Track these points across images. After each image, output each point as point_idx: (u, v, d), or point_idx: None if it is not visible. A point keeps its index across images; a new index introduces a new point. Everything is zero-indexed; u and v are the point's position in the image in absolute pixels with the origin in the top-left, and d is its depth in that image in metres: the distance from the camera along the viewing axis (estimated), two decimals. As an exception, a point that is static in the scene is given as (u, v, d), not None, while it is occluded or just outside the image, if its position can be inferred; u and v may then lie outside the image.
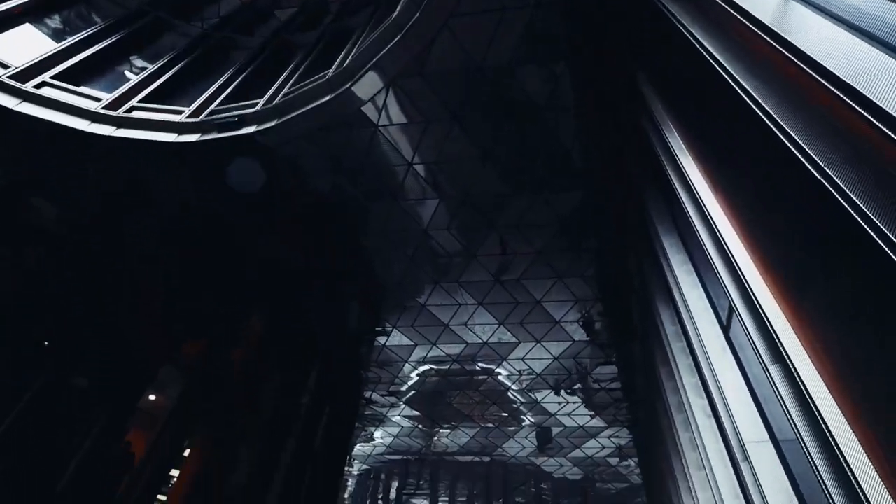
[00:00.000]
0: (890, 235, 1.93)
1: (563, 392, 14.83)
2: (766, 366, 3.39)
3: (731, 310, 4.50)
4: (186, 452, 13.29)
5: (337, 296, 13.94)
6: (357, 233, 11.54)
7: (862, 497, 2.53)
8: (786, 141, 2.64)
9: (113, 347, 11.02)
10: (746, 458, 4.59)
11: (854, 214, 2.11)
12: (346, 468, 22.03)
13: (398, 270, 11.82)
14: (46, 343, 10.37)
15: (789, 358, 3.11)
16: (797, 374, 3.10)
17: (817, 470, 3.22)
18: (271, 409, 14.14)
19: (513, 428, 19.23)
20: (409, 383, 16.56)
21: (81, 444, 10.23)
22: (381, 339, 14.48)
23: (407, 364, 15.16)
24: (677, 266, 5.82)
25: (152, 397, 13.43)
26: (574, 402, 16.60)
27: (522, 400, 16.91)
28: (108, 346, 10.97)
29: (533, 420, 18.33)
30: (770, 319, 3.17)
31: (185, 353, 12.88)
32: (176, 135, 9.05)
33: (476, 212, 9.93)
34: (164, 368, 12.34)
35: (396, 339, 14.21)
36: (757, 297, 3.27)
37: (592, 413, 17.20)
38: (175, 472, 13.07)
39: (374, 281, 12.64)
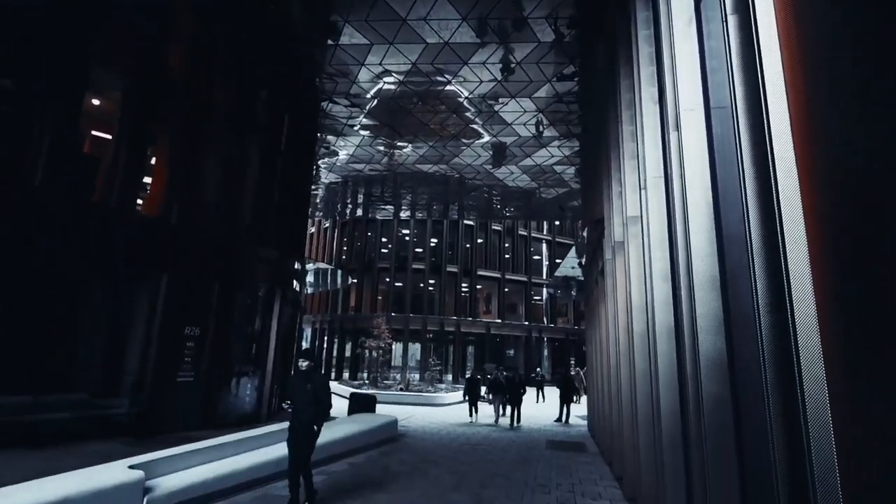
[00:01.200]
0: None
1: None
2: (725, 17, 3.41)
3: (712, -32, 4.21)
4: (153, 161, 13.56)
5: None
6: None
7: (770, 160, 2.81)
8: None
9: (30, 44, 9.77)
10: (678, 127, 5.12)
11: None
12: (314, 175, 23.58)
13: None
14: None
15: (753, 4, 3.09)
16: (755, 22, 3.12)
17: (738, 134, 3.63)
18: (228, 116, 13.92)
19: (470, 140, 20.20)
20: (369, 92, 16.18)
21: (39, 148, 10.15)
22: (334, 40, 13.28)
23: (364, 68, 14.42)
24: (669, -77, 5.11)
25: (96, 102, 12.78)
26: (530, 111, 17.11)
27: (481, 109, 17.21)
28: (24, 44, 9.71)
29: (490, 129, 19.16)
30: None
31: (116, 54, 11.67)
32: None
33: None
34: (98, 70, 11.34)
35: (350, 37, 13.03)
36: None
37: (547, 122, 18.01)
38: (149, 180, 13.61)
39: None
